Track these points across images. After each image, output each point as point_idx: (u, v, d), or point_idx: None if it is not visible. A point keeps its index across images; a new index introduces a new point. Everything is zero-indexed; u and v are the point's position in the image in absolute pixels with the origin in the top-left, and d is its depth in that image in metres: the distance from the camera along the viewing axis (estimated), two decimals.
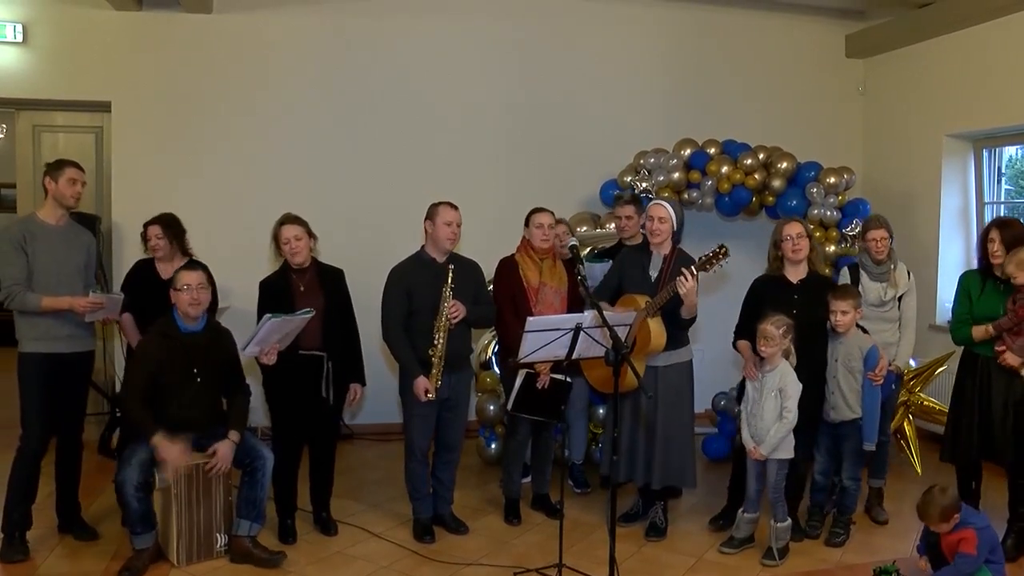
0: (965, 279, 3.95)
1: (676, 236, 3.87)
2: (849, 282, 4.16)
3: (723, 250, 3.51)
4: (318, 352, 3.81)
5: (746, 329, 3.92)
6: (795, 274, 3.90)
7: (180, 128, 5.43)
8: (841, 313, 3.76)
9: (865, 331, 3.94)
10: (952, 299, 5.64)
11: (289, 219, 3.84)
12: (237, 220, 5.37)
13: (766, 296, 3.88)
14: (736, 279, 4.77)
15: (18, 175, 5.86)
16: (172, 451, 3.44)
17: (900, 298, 4.18)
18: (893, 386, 4.19)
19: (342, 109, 5.65)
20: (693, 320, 3.79)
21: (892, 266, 4.18)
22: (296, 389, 3.80)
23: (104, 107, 5.43)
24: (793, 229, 3.86)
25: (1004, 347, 3.67)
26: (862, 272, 4.20)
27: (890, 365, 4.06)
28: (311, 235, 3.86)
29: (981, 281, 3.84)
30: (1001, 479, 3.91)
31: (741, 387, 4.01)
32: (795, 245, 3.84)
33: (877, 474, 4.33)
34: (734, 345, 4.05)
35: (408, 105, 5.69)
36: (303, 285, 3.83)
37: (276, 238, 3.83)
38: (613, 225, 4.85)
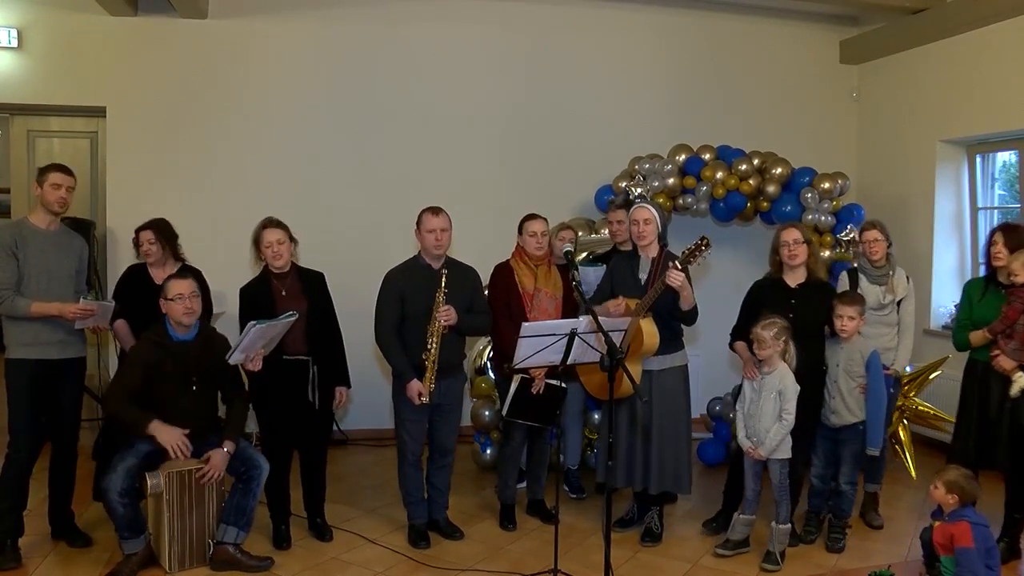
0: (969, 285, 4.00)
1: (662, 239, 3.88)
2: (848, 287, 4.18)
3: (704, 241, 3.53)
4: (303, 356, 3.80)
5: (743, 331, 3.93)
6: (793, 279, 3.92)
7: (175, 133, 5.43)
8: (848, 319, 3.77)
9: (861, 335, 3.94)
10: (946, 303, 5.74)
11: (271, 223, 3.83)
12: (232, 225, 5.35)
13: (764, 300, 3.90)
14: (731, 284, 4.78)
15: (12, 180, 5.84)
16: (172, 434, 3.43)
17: (899, 303, 4.20)
18: (891, 390, 4.20)
19: (337, 115, 5.65)
20: (694, 312, 3.76)
21: (891, 271, 4.20)
22: (282, 394, 3.79)
23: (99, 112, 5.43)
24: (790, 235, 3.89)
25: (998, 351, 3.69)
26: (861, 276, 4.22)
27: (888, 369, 4.07)
28: (292, 239, 3.85)
29: (983, 287, 3.87)
30: (998, 484, 3.90)
31: (739, 389, 4.02)
32: (791, 251, 3.86)
33: (873, 479, 4.33)
34: (731, 347, 4.06)
35: (404, 110, 5.70)
36: (284, 290, 3.82)
37: (257, 242, 3.81)
38: (607, 230, 4.86)
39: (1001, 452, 3.71)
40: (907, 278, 4.25)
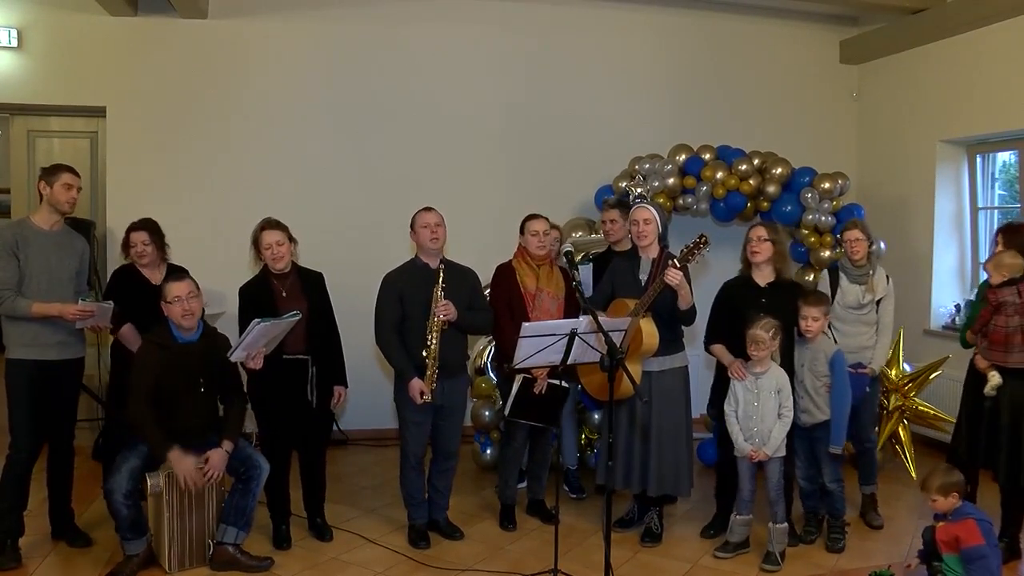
0: (980, 286, 4.02)
1: (662, 239, 3.88)
2: (828, 284, 4.19)
3: (703, 239, 3.53)
4: (302, 356, 3.80)
5: (717, 332, 3.94)
6: (762, 277, 3.93)
7: (175, 133, 5.43)
8: (812, 320, 3.77)
9: (826, 335, 3.93)
10: (946, 303, 5.75)
11: (270, 224, 3.82)
12: (232, 225, 5.33)
13: (734, 299, 3.92)
14: None
15: (12, 180, 5.85)
16: (187, 467, 3.44)
17: (878, 302, 4.20)
18: (868, 388, 4.19)
19: (337, 115, 5.65)
20: (693, 311, 3.77)
21: (871, 271, 4.19)
22: (281, 394, 3.79)
23: (99, 112, 5.43)
24: (756, 232, 3.91)
25: (976, 351, 3.73)
26: (841, 274, 4.22)
27: (865, 368, 4.08)
28: (292, 240, 3.86)
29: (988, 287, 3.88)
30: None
31: (716, 391, 4.02)
32: (753, 247, 3.88)
33: (867, 480, 4.33)
34: (707, 349, 4.04)
35: (404, 110, 5.70)
36: (285, 290, 3.82)
37: (256, 243, 3.81)
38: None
39: (990, 451, 3.72)
40: (887, 278, 4.24)
